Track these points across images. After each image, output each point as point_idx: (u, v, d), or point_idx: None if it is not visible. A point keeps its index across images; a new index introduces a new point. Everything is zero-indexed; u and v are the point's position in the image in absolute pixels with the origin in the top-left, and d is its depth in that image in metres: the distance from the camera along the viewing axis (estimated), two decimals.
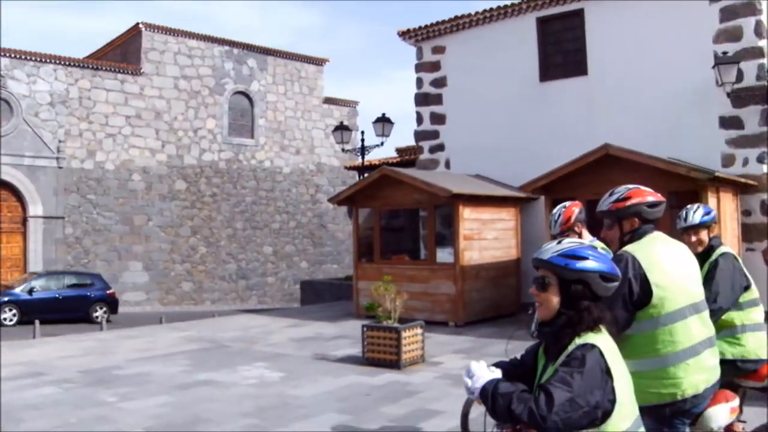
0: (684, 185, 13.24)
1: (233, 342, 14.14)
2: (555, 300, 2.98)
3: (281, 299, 35.69)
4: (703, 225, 5.47)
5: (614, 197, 4.24)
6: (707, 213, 5.51)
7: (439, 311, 15.68)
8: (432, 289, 15.84)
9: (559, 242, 3.06)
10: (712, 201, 13.25)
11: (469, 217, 15.82)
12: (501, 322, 15.58)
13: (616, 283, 3.04)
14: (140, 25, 32.74)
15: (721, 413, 4.28)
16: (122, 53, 34.35)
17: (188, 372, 11.10)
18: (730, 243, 13.93)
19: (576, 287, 2.95)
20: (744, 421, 5.31)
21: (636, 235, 4.18)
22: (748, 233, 15.37)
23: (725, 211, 14.17)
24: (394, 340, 11.09)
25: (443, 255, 16.16)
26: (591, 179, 13.58)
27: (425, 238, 17.17)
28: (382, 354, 11.25)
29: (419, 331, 11.53)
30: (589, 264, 2.95)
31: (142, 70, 32.45)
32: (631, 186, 4.28)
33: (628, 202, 4.17)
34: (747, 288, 5.44)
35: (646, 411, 3.89)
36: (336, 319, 17.10)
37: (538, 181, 14.92)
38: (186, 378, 10.64)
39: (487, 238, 16.39)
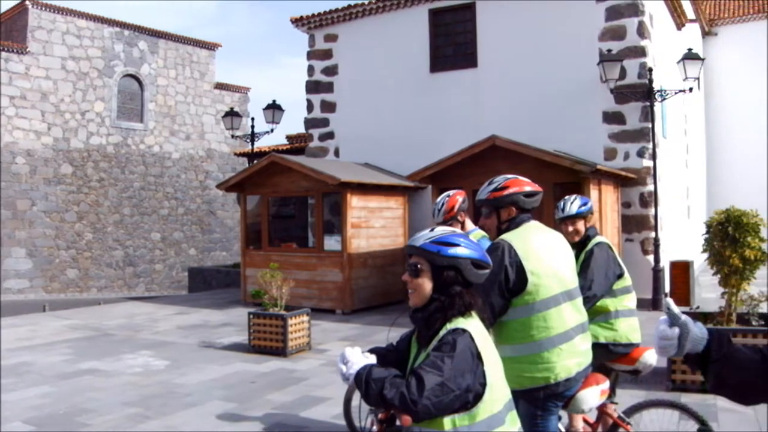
0: (568, 177, 13.57)
1: (118, 330, 13.92)
2: (428, 286, 3.03)
3: (169, 286, 35.18)
4: (579, 215, 5.66)
5: (492, 186, 4.34)
6: (584, 204, 5.70)
7: (327, 299, 15.76)
8: (319, 276, 15.89)
9: (432, 230, 3.12)
10: (594, 193, 13.65)
11: (356, 205, 15.90)
12: (388, 310, 15.73)
13: (488, 271, 3.12)
14: (27, 2, 31.64)
15: (591, 396, 4.44)
16: (7, 31, 33.11)
17: (71, 361, 10.89)
18: (610, 233, 14.39)
19: (448, 273, 3.02)
20: (616, 403, 5.54)
21: (513, 224, 4.28)
22: (628, 224, 15.89)
23: (606, 203, 14.59)
24: (281, 327, 11.11)
25: (331, 243, 16.20)
26: (478, 169, 13.79)
27: (313, 225, 17.19)
28: (268, 341, 11.26)
29: (306, 318, 11.58)
30: (461, 251, 3.02)
31: (27, 49, 31.36)
32: (509, 176, 4.38)
33: (505, 192, 4.27)
34: (620, 276, 5.65)
35: (520, 394, 4.03)
36: (223, 307, 16.99)
37: (425, 170, 15.08)
38: (68, 367, 10.44)
39: (374, 226, 16.52)
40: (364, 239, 16.15)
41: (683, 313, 2.44)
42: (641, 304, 14.10)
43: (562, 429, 4.85)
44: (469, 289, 3.07)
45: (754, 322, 8.55)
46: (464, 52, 18.23)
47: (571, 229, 5.65)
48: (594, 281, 5.29)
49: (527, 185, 4.33)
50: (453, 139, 16.26)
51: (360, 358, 2.97)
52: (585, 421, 5.29)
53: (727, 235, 8.36)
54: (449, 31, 18.55)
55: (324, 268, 15.90)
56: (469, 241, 3.10)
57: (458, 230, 3.22)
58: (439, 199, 6.33)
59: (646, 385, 8.33)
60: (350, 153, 19.50)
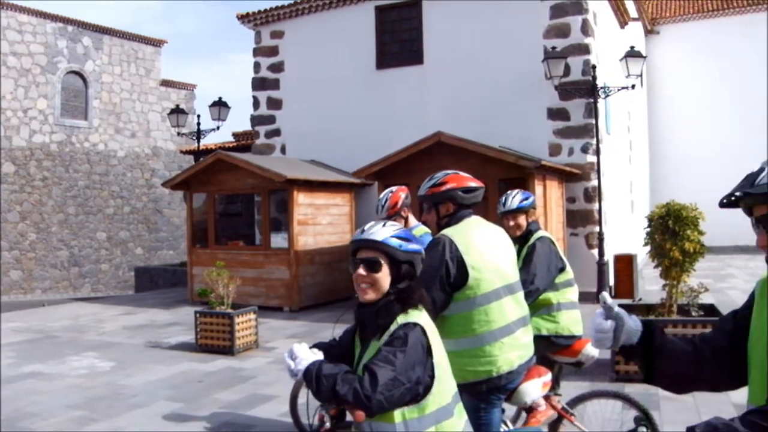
0: (513, 173, 13.68)
1: (63, 332, 13.75)
2: (387, 281, 3.06)
3: (115, 287, 34.76)
4: (520, 210, 5.71)
5: (431, 182, 4.37)
6: (525, 199, 5.75)
7: (274, 296, 15.74)
8: (266, 274, 15.86)
9: (385, 224, 3.14)
10: (538, 188, 13.78)
11: (303, 202, 15.89)
12: (336, 307, 15.72)
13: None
14: None
15: (533, 388, 4.54)
16: None
17: (14, 365, 10.73)
18: (555, 228, 14.55)
19: (405, 268, 3.07)
20: (560, 394, 5.63)
21: (453, 220, 4.31)
22: (572, 219, 16.09)
23: (551, 198, 14.75)
24: (227, 325, 11.08)
25: (278, 240, 16.21)
26: (424, 166, 13.81)
27: (260, 223, 17.13)
28: (215, 340, 11.22)
29: (253, 316, 11.56)
30: (414, 246, 3.09)
31: None
32: (449, 171, 4.42)
33: (444, 188, 4.30)
34: (562, 269, 5.74)
35: (463, 388, 4.06)
36: (170, 306, 16.87)
37: (371, 167, 15.09)
38: (11, 371, 10.28)
39: (321, 223, 16.52)
40: (311, 236, 16.14)
41: (625, 305, 2.50)
42: (586, 298, 14.31)
43: (508, 422, 4.93)
44: (415, 283, 3.14)
45: (693, 313, 8.77)
46: (410, 49, 18.29)
47: (512, 223, 5.71)
48: (536, 275, 5.37)
49: (468, 181, 4.36)
50: (399, 135, 16.25)
51: (308, 354, 2.98)
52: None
53: (668, 228, 8.54)
54: (395, 28, 18.60)
55: (271, 266, 15.87)
56: (413, 235, 3.18)
57: (401, 225, 3.27)
58: (382, 195, 6.37)
59: (590, 377, 8.46)
60: (297, 150, 19.43)
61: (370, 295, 3.07)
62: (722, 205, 2.28)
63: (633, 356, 2.51)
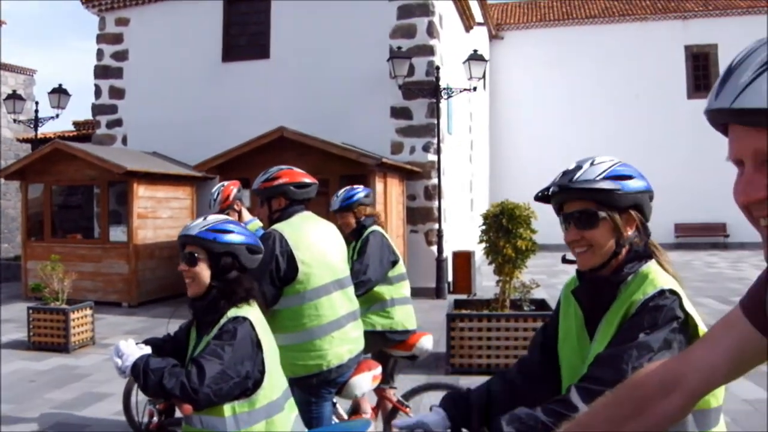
0: (355, 169, 13.84)
1: None
2: (206, 274, 3.08)
3: None
4: (344, 209, 5.83)
5: (265, 177, 4.42)
6: (346, 198, 5.84)
7: (112, 291, 15.38)
8: (105, 268, 15.49)
9: (205, 218, 3.18)
10: (379, 185, 14.03)
11: (143, 195, 15.60)
12: (177, 302, 15.45)
13: (260, 255, 3.25)
14: None
15: (364, 381, 4.65)
16: None
17: None
18: (395, 225, 14.82)
19: (225, 260, 3.09)
20: (395, 387, 5.77)
21: (285, 214, 4.38)
22: (413, 216, 16.40)
23: (391, 195, 15.01)
24: (62, 322, 10.74)
25: (117, 234, 15.86)
26: (266, 160, 13.57)
27: (99, 216, 16.73)
28: (49, 337, 10.85)
29: (89, 312, 11.26)
30: (235, 237, 3.11)
31: None
32: (284, 167, 4.48)
33: (275, 182, 4.36)
34: (395, 263, 5.86)
35: (295, 382, 4.14)
36: (3, 302, 16.19)
37: (214, 160, 14.97)
38: None
39: (162, 216, 16.25)
40: (151, 230, 15.87)
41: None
42: (425, 293, 14.68)
43: (343, 414, 5.04)
44: (246, 275, 3.19)
45: (525, 308, 9.17)
46: (257, 42, 18.17)
47: (340, 222, 5.81)
48: (369, 266, 5.47)
49: (301, 176, 4.44)
50: (244, 129, 16.07)
51: (135, 350, 2.99)
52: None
53: (502, 226, 8.86)
54: (243, 21, 18.44)
55: (109, 260, 15.51)
56: (242, 227, 3.22)
57: (230, 218, 3.31)
58: (214, 189, 6.46)
59: (427, 370, 8.67)
60: (139, 141, 18.94)
61: (193, 289, 3.11)
62: (537, 198, 2.40)
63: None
